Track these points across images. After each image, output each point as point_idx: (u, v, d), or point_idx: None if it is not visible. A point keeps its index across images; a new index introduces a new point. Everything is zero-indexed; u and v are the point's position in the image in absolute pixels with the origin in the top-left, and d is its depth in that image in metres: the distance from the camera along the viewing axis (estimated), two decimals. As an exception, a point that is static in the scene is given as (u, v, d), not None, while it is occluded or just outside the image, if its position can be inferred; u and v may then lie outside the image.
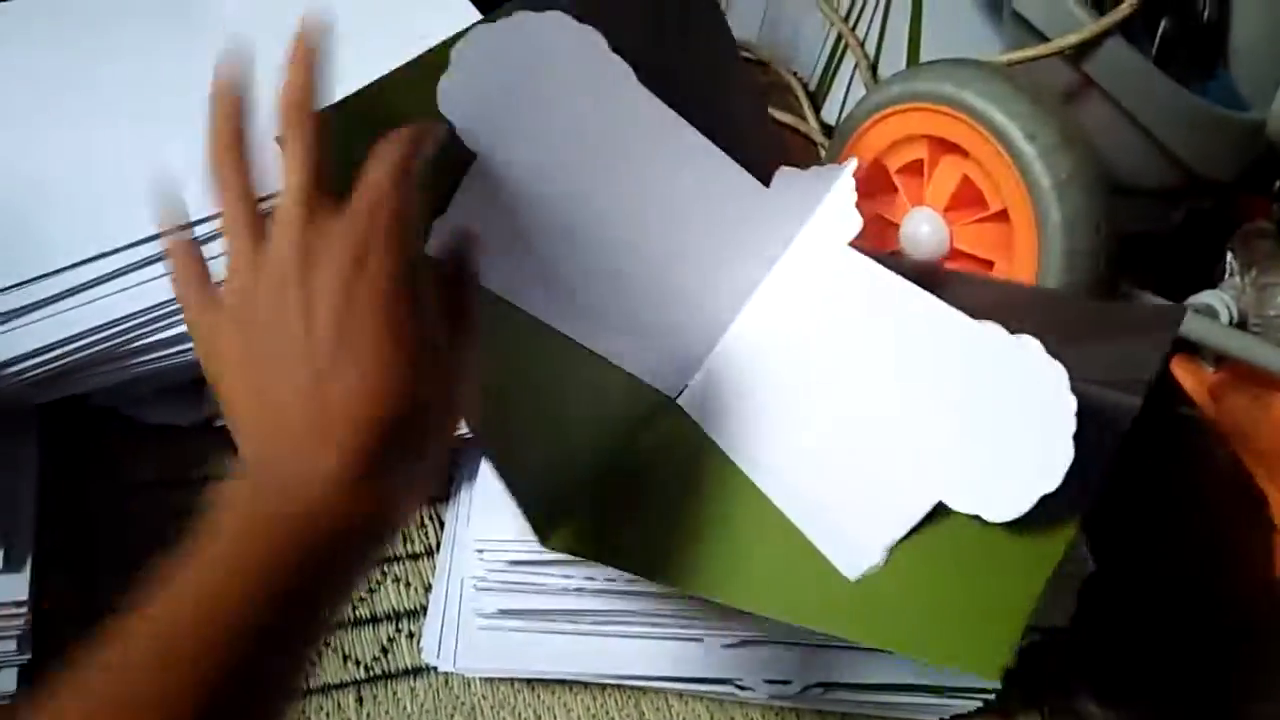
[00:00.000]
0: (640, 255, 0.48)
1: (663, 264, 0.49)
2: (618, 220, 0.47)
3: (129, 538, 0.51)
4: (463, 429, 0.41)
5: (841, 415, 0.47)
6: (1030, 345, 0.41)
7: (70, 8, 0.60)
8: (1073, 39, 0.59)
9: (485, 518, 0.48)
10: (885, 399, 0.46)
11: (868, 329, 0.48)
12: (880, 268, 0.49)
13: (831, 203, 0.54)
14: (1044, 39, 0.61)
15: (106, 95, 0.55)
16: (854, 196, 0.53)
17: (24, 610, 0.41)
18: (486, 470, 0.51)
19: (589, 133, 0.46)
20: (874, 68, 0.78)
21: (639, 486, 0.48)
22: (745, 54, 0.84)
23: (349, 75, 0.49)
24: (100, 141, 0.52)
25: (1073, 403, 0.39)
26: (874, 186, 0.65)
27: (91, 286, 0.47)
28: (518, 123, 0.44)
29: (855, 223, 0.52)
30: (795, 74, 0.85)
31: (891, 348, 0.47)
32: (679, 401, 0.51)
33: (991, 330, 0.43)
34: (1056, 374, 0.40)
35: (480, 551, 0.47)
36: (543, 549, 0.45)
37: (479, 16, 0.52)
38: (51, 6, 0.60)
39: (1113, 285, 0.60)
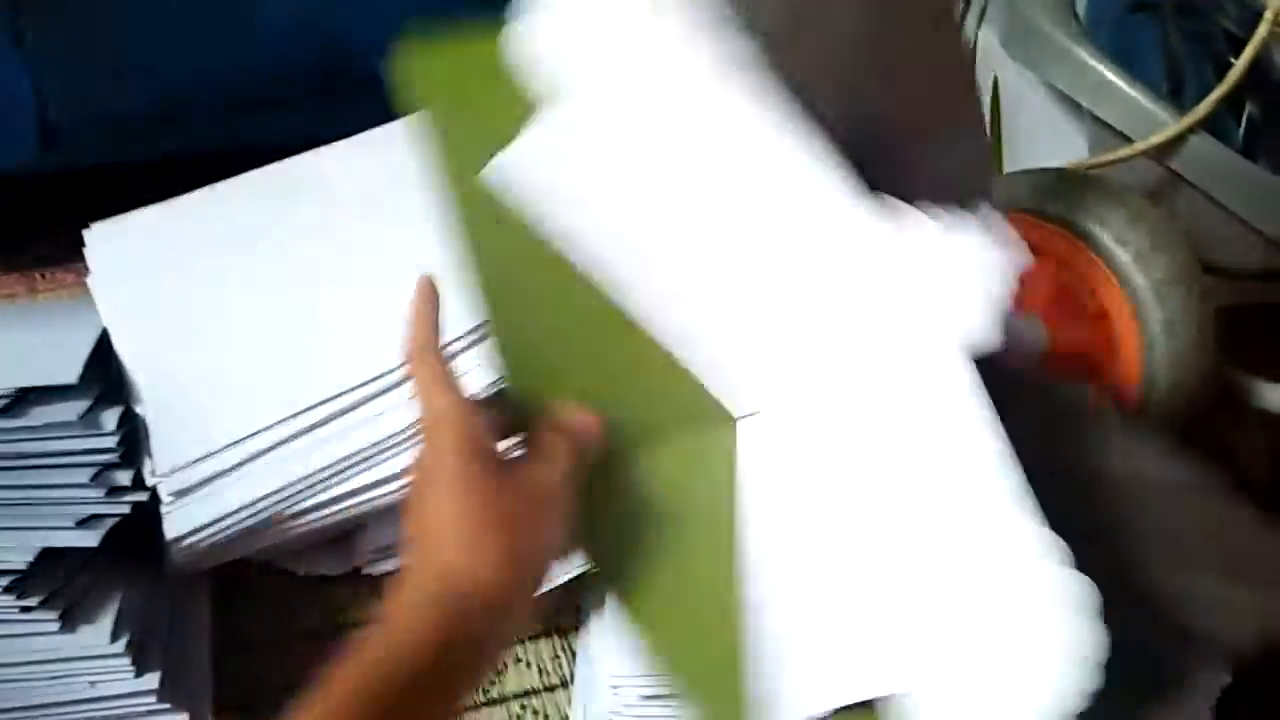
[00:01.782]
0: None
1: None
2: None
3: (294, 685, 0.54)
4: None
5: (851, 551, 0.44)
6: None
7: (196, 205, 0.66)
8: (1157, 139, 0.60)
9: (617, 652, 0.51)
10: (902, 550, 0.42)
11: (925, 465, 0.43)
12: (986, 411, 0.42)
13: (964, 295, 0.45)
14: (1127, 139, 0.62)
15: (247, 282, 0.60)
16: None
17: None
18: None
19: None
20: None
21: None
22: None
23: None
24: (246, 326, 0.58)
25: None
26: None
27: (252, 460, 0.52)
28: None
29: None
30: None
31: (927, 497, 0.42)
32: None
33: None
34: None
35: (615, 687, 0.49)
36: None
37: None
38: (182, 207, 0.66)
39: (1218, 374, 0.60)
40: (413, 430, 0.53)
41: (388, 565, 0.58)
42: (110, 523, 0.49)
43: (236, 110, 0.70)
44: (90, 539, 0.48)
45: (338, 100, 0.70)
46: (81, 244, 0.63)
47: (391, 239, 0.61)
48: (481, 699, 0.56)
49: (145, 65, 0.67)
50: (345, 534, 0.59)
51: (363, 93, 0.69)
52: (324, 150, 0.68)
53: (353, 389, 0.54)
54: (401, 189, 0.65)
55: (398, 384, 0.54)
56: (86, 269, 0.62)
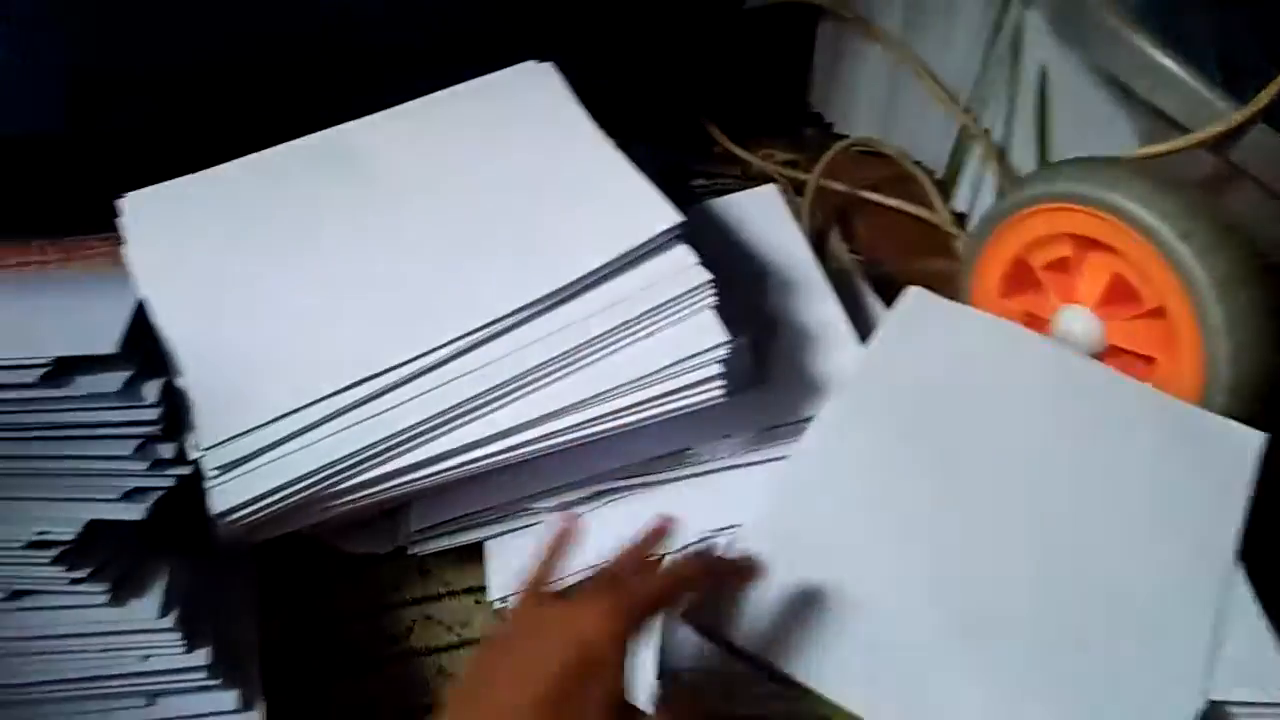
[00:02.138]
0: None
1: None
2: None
3: (340, 662, 0.54)
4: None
5: None
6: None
7: (231, 175, 0.65)
8: (1216, 129, 0.59)
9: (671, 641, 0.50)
10: None
11: None
12: None
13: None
14: (1182, 129, 0.61)
15: (286, 255, 0.60)
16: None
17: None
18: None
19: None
20: (1002, 156, 0.79)
21: None
22: (869, 148, 0.86)
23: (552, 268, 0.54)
24: (287, 299, 0.57)
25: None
26: (1019, 283, 0.65)
27: (298, 435, 0.51)
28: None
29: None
30: (920, 164, 0.86)
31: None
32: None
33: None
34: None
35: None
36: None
37: (675, 216, 0.56)
38: (217, 177, 0.65)
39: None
40: (460, 410, 0.52)
41: (431, 546, 0.57)
42: (155, 496, 0.48)
43: (267, 78, 0.69)
44: (136, 512, 0.47)
45: (366, 70, 0.69)
46: (113, 213, 0.62)
47: (426, 212, 0.61)
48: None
49: (176, 30, 0.66)
50: (389, 513, 0.58)
51: (393, 65, 0.69)
52: (359, 122, 0.67)
53: (398, 365, 0.53)
54: (435, 162, 0.65)
55: (443, 362, 0.53)
56: (120, 238, 0.61)
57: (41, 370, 0.48)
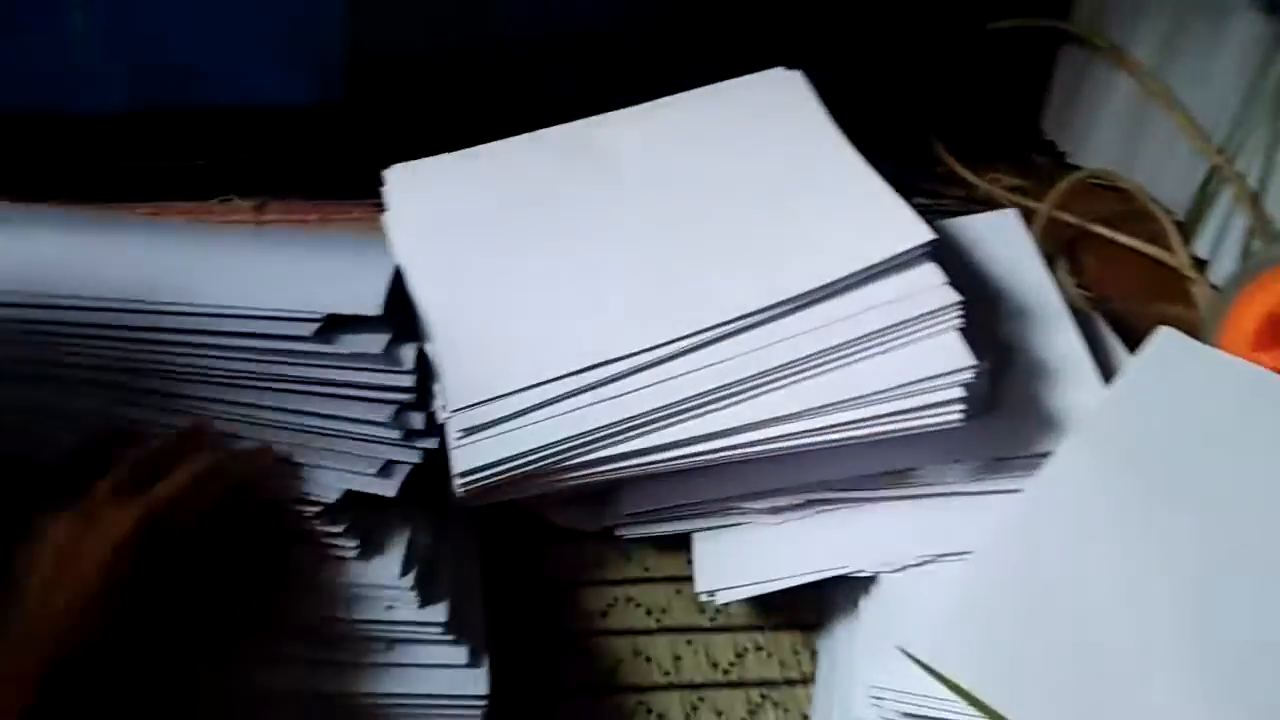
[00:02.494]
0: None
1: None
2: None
3: (537, 630, 0.56)
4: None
5: None
6: None
7: (492, 156, 0.68)
8: None
9: (878, 661, 0.49)
10: None
11: None
12: None
13: None
14: None
15: (548, 238, 0.61)
16: None
17: (485, 704, 0.46)
18: (876, 612, 0.52)
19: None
20: (1256, 202, 0.74)
21: None
22: (1104, 181, 0.83)
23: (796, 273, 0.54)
24: (545, 280, 0.59)
25: None
26: (1275, 338, 0.62)
27: (540, 408, 0.53)
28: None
29: None
30: (1158, 203, 0.82)
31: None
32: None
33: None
34: None
35: (877, 698, 0.48)
36: (945, 706, 0.46)
37: (927, 233, 0.55)
38: (478, 156, 0.68)
39: None
40: (694, 403, 0.53)
41: (639, 531, 0.58)
42: (406, 470, 0.50)
43: (542, 63, 0.71)
44: (389, 488, 0.49)
45: (619, 65, 0.70)
46: (375, 182, 0.66)
47: (671, 208, 0.62)
48: (723, 679, 0.55)
49: (454, 12, 0.69)
50: (600, 494, 0.59)
51: (641, 63, 0.70)
52: (608, 116, 0.69)
53: (639, 352, 0.54)
54: (680, 161, 0.66)
55: (681, 354, 0.54)
56: (380, 206, 0.65)
57: (315, 325, 0.51)
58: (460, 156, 0.67)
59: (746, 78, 0.70)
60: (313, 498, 0.48)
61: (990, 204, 0.83)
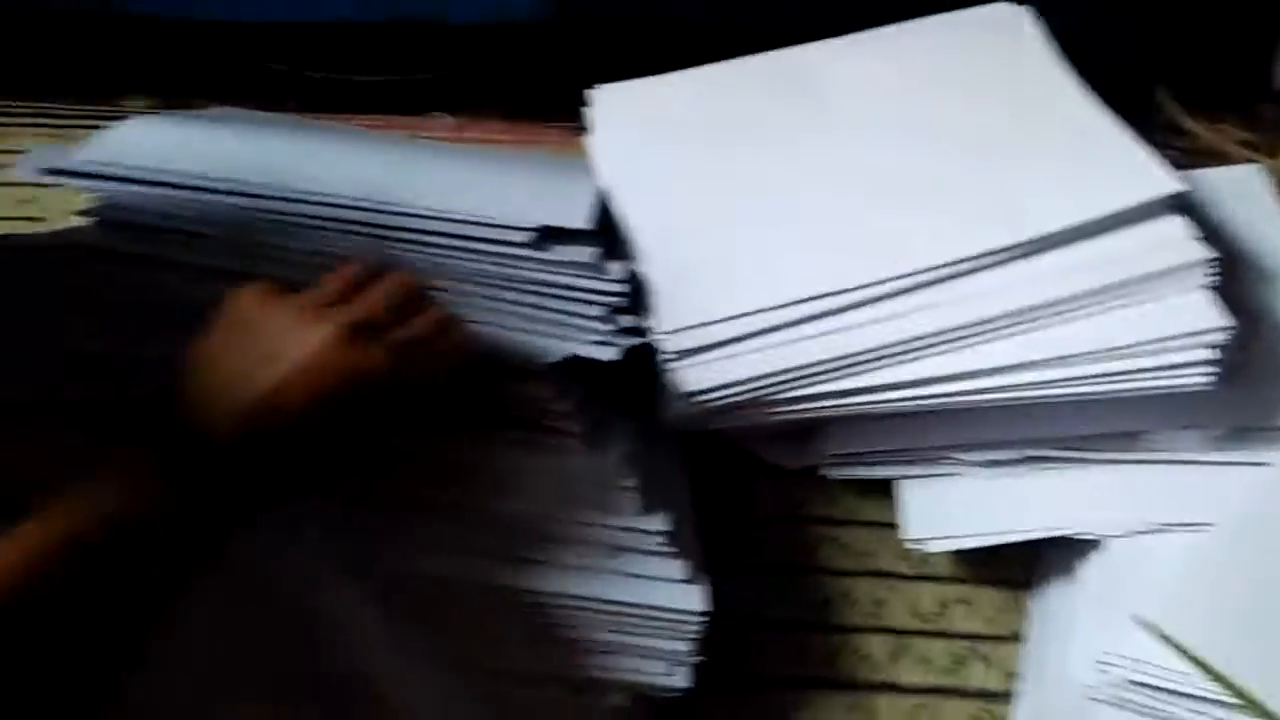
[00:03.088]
0: None
1: None
2: None
3: (737, 561, 0.56)
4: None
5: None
6: None
7: (697, 80, 0.67)
8: None
9: (1104, 627, 0.48)
10: None
11: None
12: None
13: None
14: None
15: (758, 165, 0.60)
16: None
17: (704, 619, 0.47)
18: (1101, 577, 0.51)
19: None
20: None
21: None
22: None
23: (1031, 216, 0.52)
24: (758, 206, 0.58)
25: None
26: None
27: (759, 335, 0.52)
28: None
29: None
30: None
31: None
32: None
33: None
34: None
35: (1104, 664, 0.47)
36: (1172, 676, 0.45)
37: (1173, 184, 0.52)
38: (683, 80, 0.67)
39: None
40: (917, 344, 0.52)
41: (846, 473, 0.57)
42: (625, 345, 0.49)
43: None
44: (610, 353, 0.49)
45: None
46: (572, 104, 0.65)
47: (890, 142, 0.60)
48: (927, 628, 0.55)
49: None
50: (806, 431, 0.59)
51: None
52: (819, 45, 0.67)
53: (865, 285, 0.52)
54: (899, 94, 0.63)
55: (905, 291, 0.53)
56: (576, 128, 0.64)
57: (529, 235, 0.52)
58: (666, 81, 0.66)
59: (969, 11, 0.67)
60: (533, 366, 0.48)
61: (1214, 157, 0.78)
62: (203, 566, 0.38)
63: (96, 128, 0.70)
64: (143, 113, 0.69)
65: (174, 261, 0.50)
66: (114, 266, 0.51)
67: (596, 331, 0.50)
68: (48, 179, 0.51)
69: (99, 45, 0.76)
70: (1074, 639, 0.50)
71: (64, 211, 0.64)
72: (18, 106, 0.73)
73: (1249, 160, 0.75)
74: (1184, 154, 0.78)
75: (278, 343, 0.40)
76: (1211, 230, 0.61)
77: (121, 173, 0.51)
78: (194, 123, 0.59)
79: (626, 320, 0.52)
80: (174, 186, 0.51)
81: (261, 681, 0.45)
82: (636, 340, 0.51)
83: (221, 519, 0.38)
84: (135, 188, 0.51)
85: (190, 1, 0.68)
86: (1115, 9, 0.77)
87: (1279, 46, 0.82)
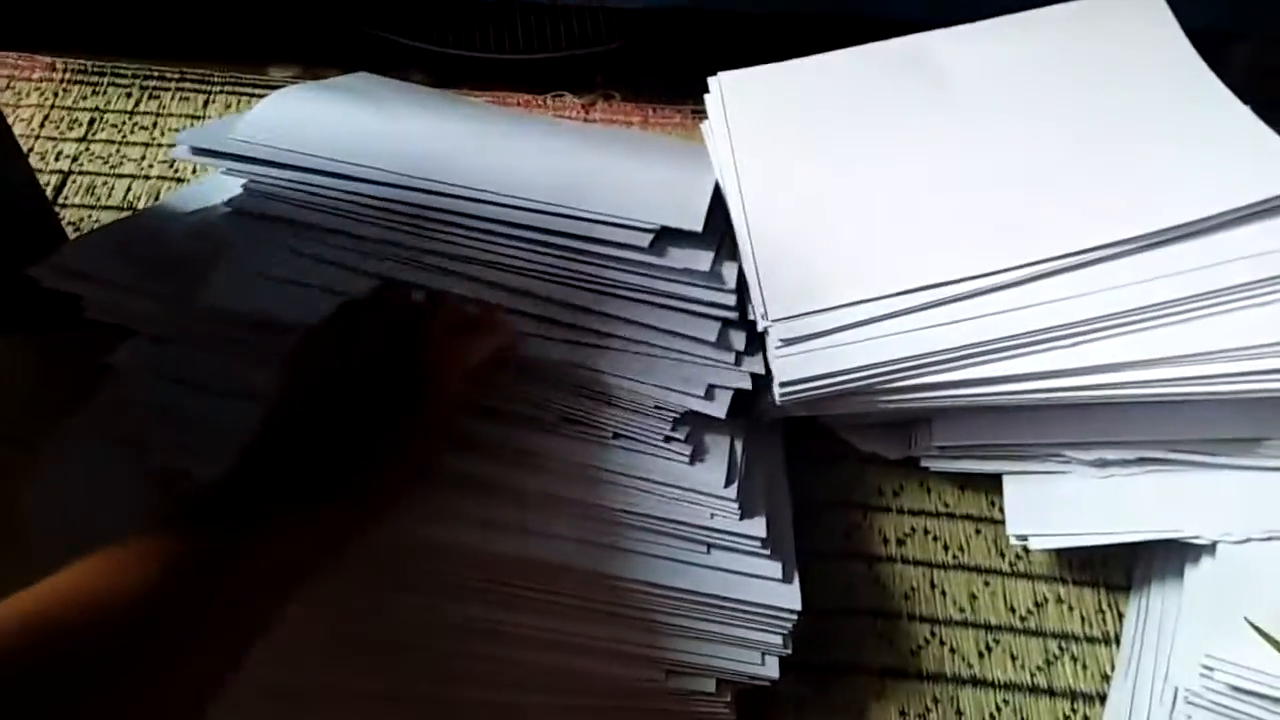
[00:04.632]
0: None
1: None
2: None
3: (833, 549, 0.56)
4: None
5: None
6: None
7: (816, 69, 0.66)
8: None
9: (1209, 634, 0.46)
10: None
11: None
12: None
13: None
14: None
15: (878, 154, 0.60)
16: None
17: (796, 615, 0.47)
18: (1209, 582, 0.49)
19: None
20: None
21: None
22: None
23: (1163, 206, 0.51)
24: (873, 196, 0.58)
25: None
26: None
27: (865, 325, 0.52)
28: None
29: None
30: None
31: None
32: None
33: None
34: None
35: (1208, 669, 0.45)
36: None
37: None
38: (803, 68, 0.66)
39: None
40: (1035, 338, 0.51)
41: (948, 466, 0.57)
42: (731, 394, 0.51)
43: None
44: (718, 409, 0.50)
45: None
46: (697, 89, 0.66)
47: (1017, 129, 0.59)
48: (1020, 625, 0.54)
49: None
50: (906, 421, 0.58)
51: None
52: (945, 32, 0.66)
53: (975, 277, 0.52)
54: (1027, 82, 0.62)
55: (1020, 282, 0.52)
56: (700, 114, 0.65)
57: (650, 236, 0.52)
58: (786, 68, 0.66)
59: (1097, -1, 0.65)
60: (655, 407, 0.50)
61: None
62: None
63: (240, 94, 0.75)
64: (287, 82, 0.73)
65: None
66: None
67: (712, 364, 0.51)
68: (200, 159, 0.55)
69: (244, 13, 0.80)
70: (1176, 643, 0.49)
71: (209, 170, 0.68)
72: (165, 70, 0.77)
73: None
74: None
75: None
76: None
77: (270, 156, 0.54)
78: (338, 98, 0.62)
79: (739, 339, 0.53)
80: (319, 173, 0.53)
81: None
82: (755, 369, 0.52)
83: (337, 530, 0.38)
84: (283, 172, 0.53)
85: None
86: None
87: None
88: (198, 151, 0.55)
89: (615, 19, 0.76)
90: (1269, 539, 0.49)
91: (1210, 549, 0.50)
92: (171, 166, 0.71)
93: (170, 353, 0.52)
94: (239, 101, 0.74)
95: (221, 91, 0.75)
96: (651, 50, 0.77)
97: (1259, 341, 0.48)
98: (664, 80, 0.74)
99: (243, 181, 0.54)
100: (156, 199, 0.69)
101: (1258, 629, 0.44)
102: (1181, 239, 0.51)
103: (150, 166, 0.71)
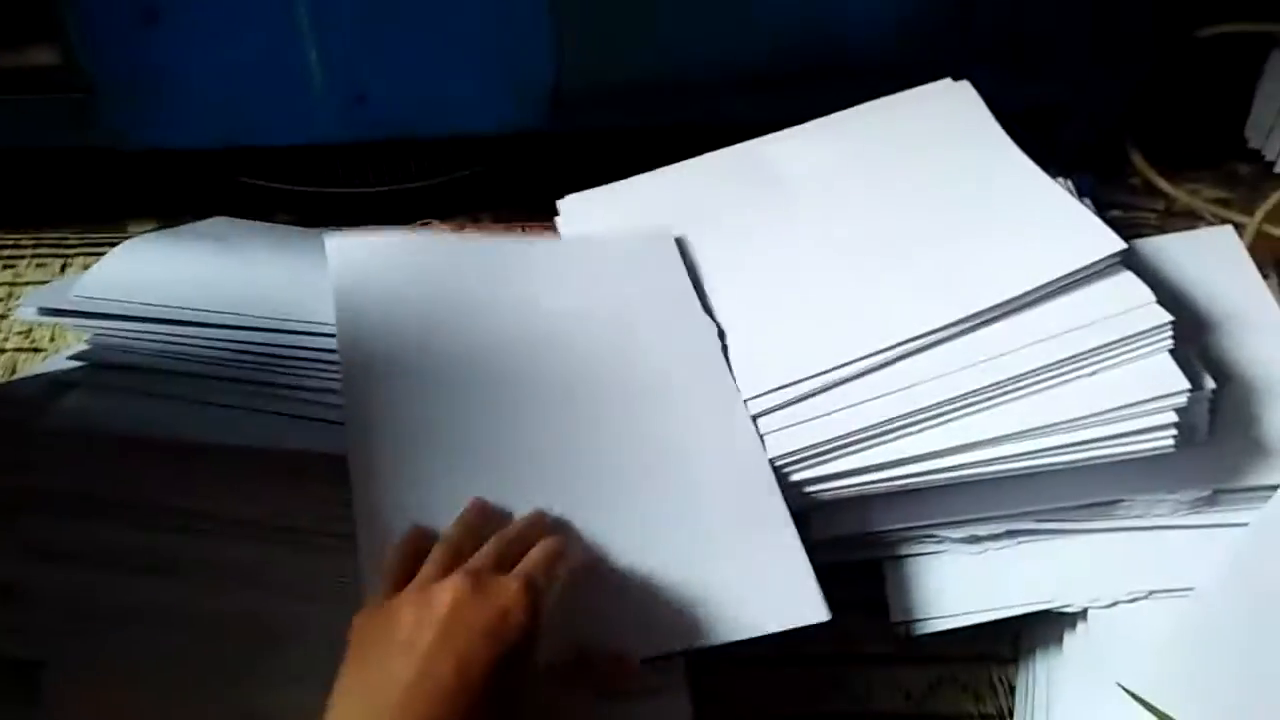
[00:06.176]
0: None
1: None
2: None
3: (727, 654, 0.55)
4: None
5: None
6: None
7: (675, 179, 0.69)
8: None
9: (1088, 700, 0.47)
10: None
11: None
12: None
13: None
14: None
15: (733, 253, 0.63)
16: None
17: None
18: (1082, 648, 0.50)
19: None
20: None
21: None
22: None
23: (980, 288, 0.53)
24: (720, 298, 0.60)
25: None
26: None
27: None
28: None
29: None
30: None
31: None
32: None
33: None
34: None
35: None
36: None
37: (1117, 243, 0.53)
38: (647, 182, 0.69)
39: None
40: (881, 429, 0.52)
41: (829, 557, 0.56)
42: None
43: (729, 90, 0.72)
44: None
45: (824, 86, 0.70)
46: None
47: (847, 223, 0.62)
48: (916, 711, 0.54)
49: (654, 41, 0.70)
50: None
51: (848, 79, 0.69)
52: (776, 136, 0.69)
53: (831, 369, 0.54)
54: (855, 176, 0.65)
55: (877, 368, 0.54)
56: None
57: None
58: (628, 185, 0.69)
59: (914, 90, 0.68)
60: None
61: (1190, 217, 0.79)
62: None
63: (98, 254, 0.74)
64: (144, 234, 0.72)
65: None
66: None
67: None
68: (47, 319, 0.54)
69: (102, 175, 0.80)
70: (1059, 712, 0.49)
71: (66, 337, 0.67)
72: (19, 238, 0.76)
73: (1223, 221, 0.76)
74: (1160, 215, 0.79)
75: (411, 630, 0.39)
76: (1185, 293, 0.62)
77: (114, 310, 0.53)
78: (186, 245, 0.62)
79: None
80: (166, 322, 0.53)
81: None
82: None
83: None
84: (129, 324, 0.53)
85: (188, 132, 0.71)
86: (1089, 71, 0.78)
87: (1253, 105, 0.83)
88: (45, 311, 0.54)
89: (473, 146, 0.78)
90: (1133, 599, 0.50)
91: (1083, 615, 0.51)
92: (28, 337, 0.69)
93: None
94: (97, 261, 0.73)
95: (79, 253, 0.75)
96: (512, 170, 0.79)
97: (1089, 411, 0.50)
98: (526, 197, 0.76)
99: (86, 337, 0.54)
100: (13, 372, 0.67)
101: (1132, 694, 0.44)
102: (1011, 314, 0.54)
103: (5, 340, 0.69)
